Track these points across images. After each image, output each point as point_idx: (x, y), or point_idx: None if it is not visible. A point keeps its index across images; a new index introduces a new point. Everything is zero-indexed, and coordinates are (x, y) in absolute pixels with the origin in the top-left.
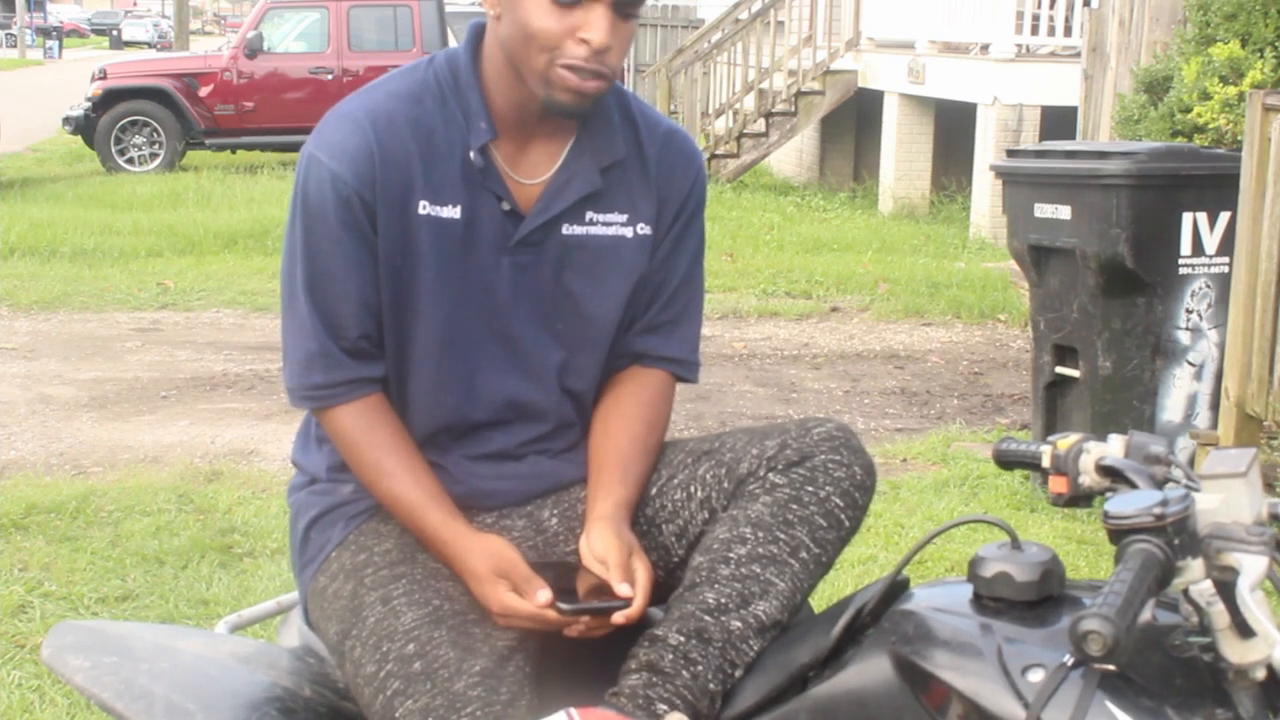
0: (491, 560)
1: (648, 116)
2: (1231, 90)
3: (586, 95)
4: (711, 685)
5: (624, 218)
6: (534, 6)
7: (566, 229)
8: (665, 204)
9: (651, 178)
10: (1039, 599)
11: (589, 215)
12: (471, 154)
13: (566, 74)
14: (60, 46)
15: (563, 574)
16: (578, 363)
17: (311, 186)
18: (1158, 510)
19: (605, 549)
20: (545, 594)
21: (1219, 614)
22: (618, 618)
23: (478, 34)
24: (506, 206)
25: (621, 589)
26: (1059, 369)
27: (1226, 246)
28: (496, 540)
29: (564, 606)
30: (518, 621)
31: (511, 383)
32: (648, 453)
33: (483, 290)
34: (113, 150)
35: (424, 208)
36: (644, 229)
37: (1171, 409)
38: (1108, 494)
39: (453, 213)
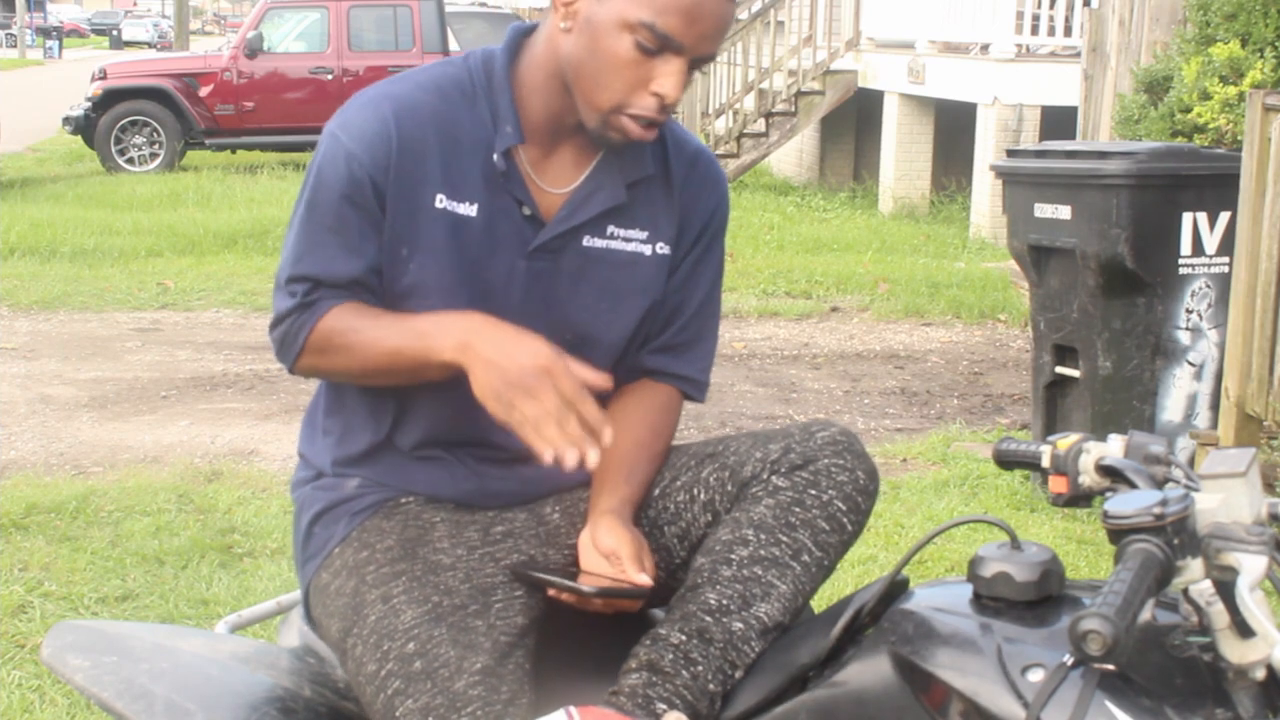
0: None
1: (676, 135)
2: (1231, 90)
3: (643, 142)
4: (711, 685)
5: (645, 235)
6: (618, 46)
7: (587, 240)
8: (687, 225)
9: (675, 197)
10: (1039, 599)
11: (610, 229)
12: (495, 156)
13: (629, 123)
14: (60, 46)
15: (566, 576)
16: None
17: (327, 162)
18: (1157, 510)
19: (615, 542)
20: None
21: (1219, 614)
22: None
23: (519, 38)
24: (527, 211)
25: (639, 577)
26: (1059, 369)
27: (1226, 246)
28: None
29: (584, 589)
30: (559, 382)
31: None
32: (652, 458)
33: (494, 293)
34: (113, 150)
35: (440, 201)
36: (663, 248)
37: (1171, 409)
38: (1107, 494)
39: (469, 210)
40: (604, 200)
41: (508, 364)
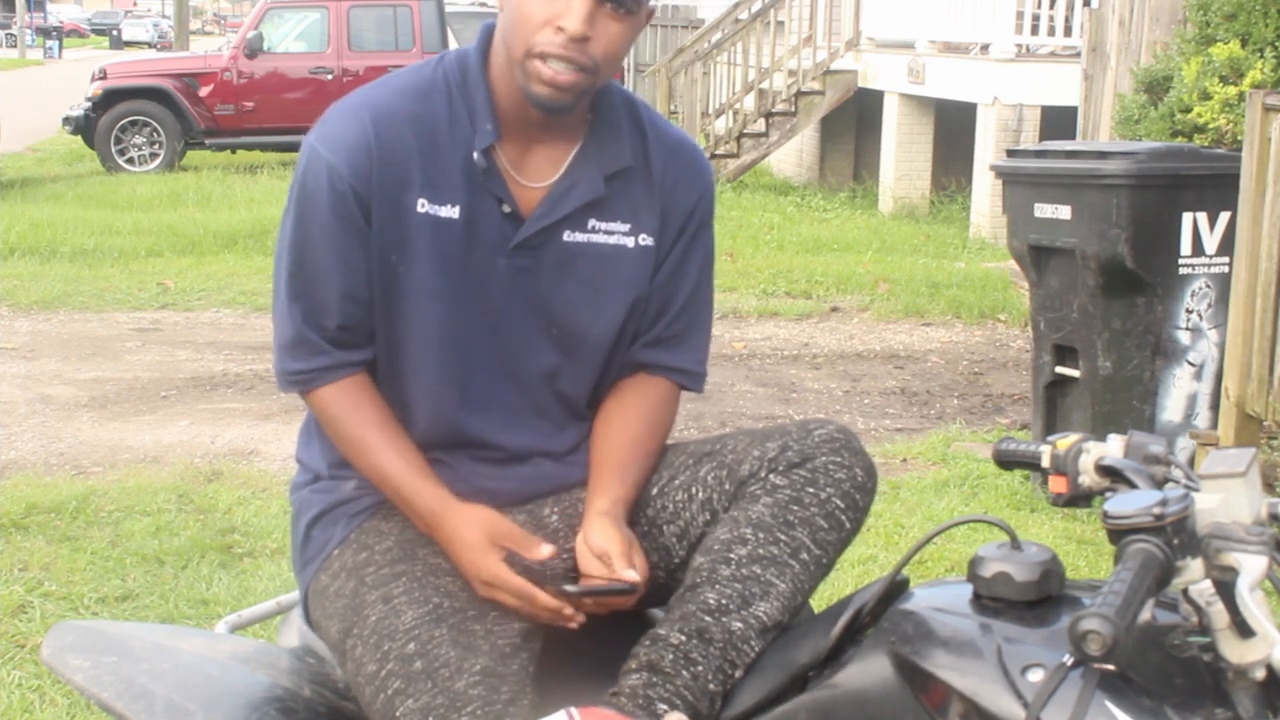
0: (484, 526)
1: (658, 127)
2: (1231, 90)
3: (561, 88)
4: (711, 685)
5: (626, 227)
6: None
7: (568, 235)
8: (669, 216)
9: (656, 188)
10: (1039, 599)
11: (591, 223)
12: (475, 155)
13: (539, 64)
14: (60, 46)
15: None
16: (571, 369)
17: (309, 177)
18: (1157, 510)
19: (606, 541)
20: (548, 548)
21: (1218, 614)
22: (621, 601)
23: (488, 35)
24: (507, 209)
25: (627, 574)
26: (1059, 369)
27: (1226, 246)
28: (487, 510)
29: (570, 589)
30: (503, 595)
31: (504, 386)
32: (648, 455)
33: (479, 292)
34: (113, 150)
35: (422, 206)
36: (646, 240)
37: (1171, 409)
38: (1107, 494)
39: (451, 212)
40: (582, 194)
41: (463, 570)
